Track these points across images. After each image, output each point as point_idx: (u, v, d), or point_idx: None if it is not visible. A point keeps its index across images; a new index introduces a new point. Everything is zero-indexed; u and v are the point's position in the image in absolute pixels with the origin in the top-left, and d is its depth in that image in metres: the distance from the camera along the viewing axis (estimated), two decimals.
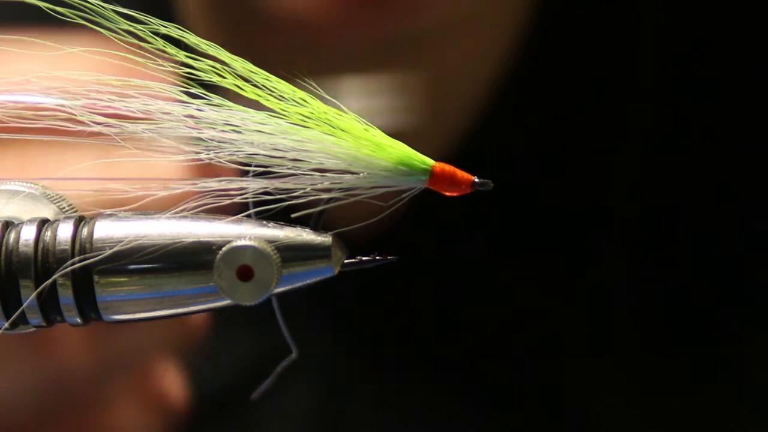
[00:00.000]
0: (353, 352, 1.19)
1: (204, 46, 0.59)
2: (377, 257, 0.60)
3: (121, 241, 0.56)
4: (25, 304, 0.56)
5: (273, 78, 0.59)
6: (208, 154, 0.58)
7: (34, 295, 0.56)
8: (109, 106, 0.57)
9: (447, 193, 0.60)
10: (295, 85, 0.59)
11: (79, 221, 0.57)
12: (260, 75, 0.59)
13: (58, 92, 0.57)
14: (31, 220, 0.58)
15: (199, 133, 0.58)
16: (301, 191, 0.57)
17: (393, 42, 1.14)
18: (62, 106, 0.57)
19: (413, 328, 1.21)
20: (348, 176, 0.58)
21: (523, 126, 1.21)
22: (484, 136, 1.20)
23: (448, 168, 0.59)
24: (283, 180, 0.58)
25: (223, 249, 0.56)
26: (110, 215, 0.57)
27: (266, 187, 0.57)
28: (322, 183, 0.58)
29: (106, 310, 0.57)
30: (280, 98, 0.58)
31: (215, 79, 0.59)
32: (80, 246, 0.56)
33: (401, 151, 0.58)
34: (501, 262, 1.21)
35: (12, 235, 0.57)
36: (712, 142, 1.23)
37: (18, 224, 0.57)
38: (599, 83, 1.23)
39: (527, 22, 1.20)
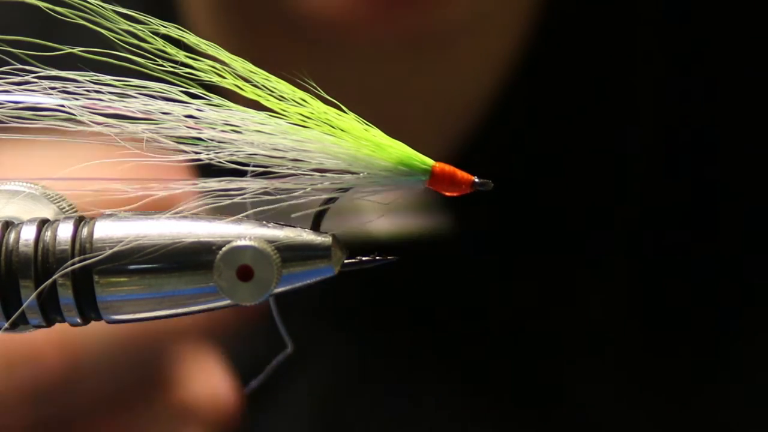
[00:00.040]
0: (353, 352, 1.19)
1: (204, 46, 0.59)
2: (377, 257, 0.60)
3: (121, 241, 0.56)
4: (25, 304, 0.56)
5: (273, 78, 0.59)
6: (208, 154, 0.58)
7: (34, 295, 0.56)
8: (109, 107, 0.57)
9: (447, 193, 0.60)
10: (295, 85, 0.59)
11: (79, 221, 0.57)
12: (260, 75, 0.59)
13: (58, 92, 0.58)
14: (31, 220, 0.58)
15: (199, 133, 0.58)
16: (301, 191, 0.57)
17: (414, 41, 1.14)
18: (62, 106, 0.57)
19: (413, 328, 1.21)
20: (348, 176, 0.58)
21: (523, 126, 1.21)
22: (485, 136, 1.21)
23: (448, 168, 0.59)
24: (283, 180, 0.58)
25: (223, 249, 0.56)
26: (110, 215, 0.57)
27: (266, 187, 0.57)
28: (322, 183, 0.58)
29: (106, 310, 0.57)
30: (280, 98, 0.58)
31: (215, 79, 0.59)
32: (80, 246, 0.56)
33: (401, 151, 0.58)
34: (501, 262, 1.21)
35: (12, 235, 0.57)
36: (712, 142, 1.23)
37: (18, 224, 0.57)
38: (600, 83, 1.23)
39: (530, 23, 1.20)
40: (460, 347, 1.19)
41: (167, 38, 0.58)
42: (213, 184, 0.57)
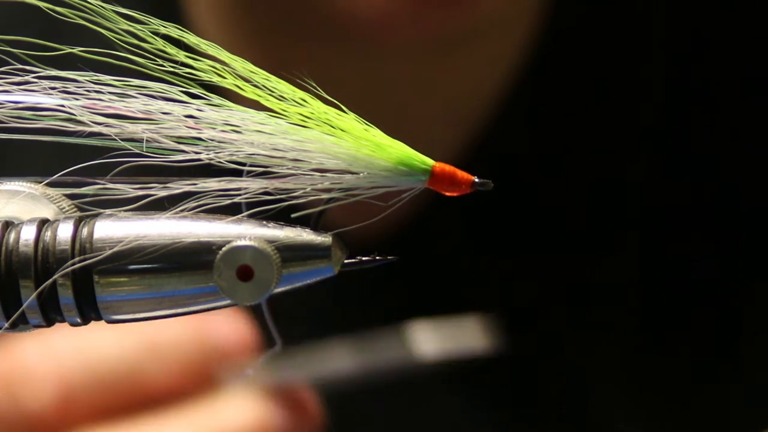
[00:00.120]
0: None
1: (204, 46, 0.59)
2: (377, 257, 0.60)
3: (121, 241, 0.56)
4: (25, 305, 0.56)
5: (273, 78, 0.59)
6: (208, 154, 0.58)
7: (34, 295, 0.56)
8: (109, 106, 0.57)
9: (447, 193, 0.60)
10: (295, 85, 0.59)
11: (79, 221, 0.57)
12: (260, 75, 0.59)
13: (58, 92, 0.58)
14: (31, 220, 0.58)
15: (199, 133, 0.58)
16: (301, 191, 0.57)
17: (438, 41, 1.14)
18: (62, 106, 0.57)
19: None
20: (348, 176, 0.58)
21: (523, 126, 1.22)
22: (485, 136, 1.21)
23: (448, 168, 0.59)
24: (282, 180, 0.58)
25: (223, 249, 0.56)
26: (110, 215, 0.57)
27: (266, 187, 0.57)
28: (322, 183, 0.58)
29: (106, 310, 0.57)
30: (280, 98, 0.58)
31: (215, 79, 0.59)
32: (80, 246, 0.56)
33: (401, 151, 0.58)
34: (501, 262, 1.21)
35: (12, 235, 0.57)
36: (712, 142, 1.23)
37: (18, 224, 0.57)
38: (600, 83, 1.23)
39: (538, 24, 1.20)
40: None
41: (167, 38, 0.58)
42: (213, 184, 0.57)
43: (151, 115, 0.58)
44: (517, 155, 1.21)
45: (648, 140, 1.22)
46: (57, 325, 0.94)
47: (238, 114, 0.58)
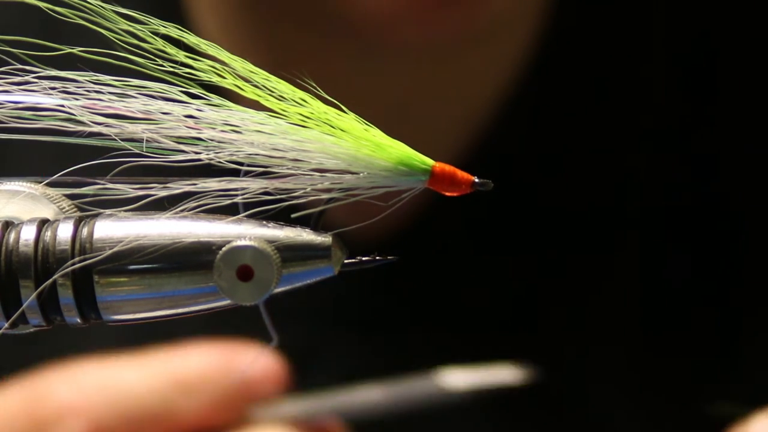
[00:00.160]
0: (353, 352, 1.19)
1: (204, 46, 0.59)
2: (377, 257, 0.60)
3: (121, 241, 0.56)
4: (25, 305, 0.56)
5: (273, 78, 0.59)
6: (207, 154, 0.58)
7: (34, 295, 0.56)
8: (109, 106, 0.57)
9: (447, 193, 0.60)
10: (295, 85, 0.59)
11: (79, 221, 0.57)
12: (260, 75, 0.59)
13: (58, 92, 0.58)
14: (31, 220, 0.58)
15: (198, 133, 0.58)
16: (301, 191, 0.57)
17: (448, 42, 1.14)
18: (62, 106, 0.57)
19: (412, 328, 1.21)
20: (348, 176, 0.58)
21: (523, 126, 1.21)
22: (485, 136, 1.21)
23: (448, 168, 0.59)
24: (282, 180, 0.58)
25: (223, 249, 0.56)
26: (110, 215, 0.57)
27: (266, 187, 0.57)
28: (322, 183, 0.58)
29: (106, 310, 0.57)
30: (280, 98, 0.58)
31: (215, 79, 0.59)
32: (80, 246, 0.56)
33: (401, 151, 0.58)
34: (501, 262, 1.21)
35: (12, 235, 0.57)
36: (713, 142, 1.23)
37: (18, 224, 0.57)
38: (600, 84, 1.23)
39: (540, 25, 1.20)
40: (459, 347, 1.19)
41: (167, 38, 0.58)
42: (213, 184, 0.57)
43: (151, 115, 0.57)
44: (517, 155, 1.21)
45: (648, 140, 1.22)
46: (85, 360, 0.96)
47: (237, 114, 0.58)
